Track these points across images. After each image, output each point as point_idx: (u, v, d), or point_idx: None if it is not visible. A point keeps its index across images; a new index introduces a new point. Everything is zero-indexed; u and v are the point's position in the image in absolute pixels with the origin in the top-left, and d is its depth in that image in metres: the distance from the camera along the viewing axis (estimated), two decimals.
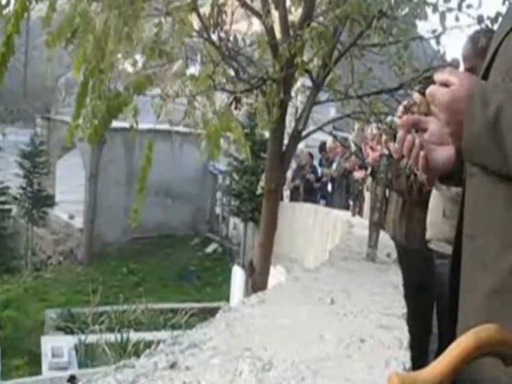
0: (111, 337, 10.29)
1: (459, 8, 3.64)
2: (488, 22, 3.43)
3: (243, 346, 1.33)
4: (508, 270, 1.02)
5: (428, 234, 3.55)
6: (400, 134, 1.27)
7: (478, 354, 0.70)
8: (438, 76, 1.11)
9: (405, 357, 1.35)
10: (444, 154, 1.23)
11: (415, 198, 3.85)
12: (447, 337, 1.12)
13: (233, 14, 4.44)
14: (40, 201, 17.74)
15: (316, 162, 12.65)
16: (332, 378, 1.18)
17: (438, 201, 3.43)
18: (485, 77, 1.16)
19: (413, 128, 1.25)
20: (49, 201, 18.21)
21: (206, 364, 1.21)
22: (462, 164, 1.19)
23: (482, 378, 0.99)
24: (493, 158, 1.02)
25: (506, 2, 3.49)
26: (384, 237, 3.57)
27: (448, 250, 3.19)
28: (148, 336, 10.21)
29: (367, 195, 5.32)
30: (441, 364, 0.70)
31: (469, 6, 3.63)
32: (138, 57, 4.57)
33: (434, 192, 3.46)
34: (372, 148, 4.18)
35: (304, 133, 4.56)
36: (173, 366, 1.19)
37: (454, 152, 1.21)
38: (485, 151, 1.02)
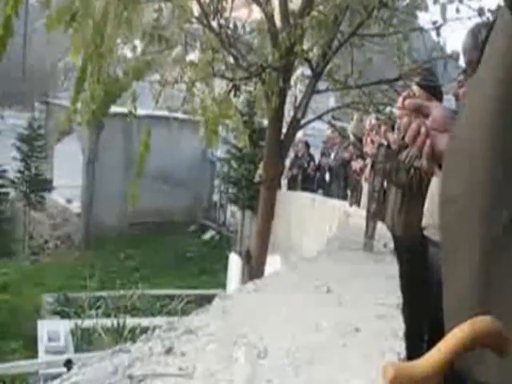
0: (107, 322, 10.32)
1: (460, 0, 3.63)
2: (489, 15, 3.42)
3: (239, 333, 1.33)
4: (502, 228, 0.96)
5: (424, 222, 3.54)
6: (404, 121, 1.25)
7: (474, 345, 0.70)
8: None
9: (400, 347, 1.36)
10: (446, 141, 1.21)
11: (415, 191, 3.85)
12: (441, 327, 1.12)
13: (233, 0, 4.42)
14: (38, 185, 17.69)
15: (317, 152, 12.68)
16: (327, 367, 1.18)
17: (436, 189, 3.42)
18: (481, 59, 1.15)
19: (415, 113, 1.24)
20: (46, 185, 18.16)
21: (201, 350, 1.21)
22: None
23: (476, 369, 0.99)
24: None
25: None
26: (381, 227, 3.57)
27: None
28: (144, 322, 10.23)
29: (365, 185, 5.32)
30: (436, 354, 0.70)
31: None
32: (137, 42, 4.54)
33: (434, 179, 3.46)
34: (372, 141, 4.17)
35: (303, 121, 4.56)
36: (168, 351, 1.19)
37: None
38: None
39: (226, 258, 13.07)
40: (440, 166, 1.31)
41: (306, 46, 4.27)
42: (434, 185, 3.49)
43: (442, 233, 1.10)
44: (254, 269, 4.54)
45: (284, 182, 12.56)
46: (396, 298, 1.88)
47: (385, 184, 3.81)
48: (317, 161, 12.54)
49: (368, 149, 4.23)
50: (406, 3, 4.01)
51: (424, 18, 4.18)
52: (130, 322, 10.46)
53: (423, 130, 1.20)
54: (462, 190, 1.01)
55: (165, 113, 12.12)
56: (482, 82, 0.99)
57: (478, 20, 3.44)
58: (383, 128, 4.36)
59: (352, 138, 8.36)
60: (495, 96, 0.93)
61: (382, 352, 1.29)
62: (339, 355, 1.26)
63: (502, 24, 0.91)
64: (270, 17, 4.23)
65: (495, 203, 0.96)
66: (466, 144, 1.01)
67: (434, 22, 3.87)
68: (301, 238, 9.87)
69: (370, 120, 4.96)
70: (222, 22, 4.30)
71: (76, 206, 17.96)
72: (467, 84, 1.12)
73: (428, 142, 1.20)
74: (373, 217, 3.08)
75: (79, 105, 4.53)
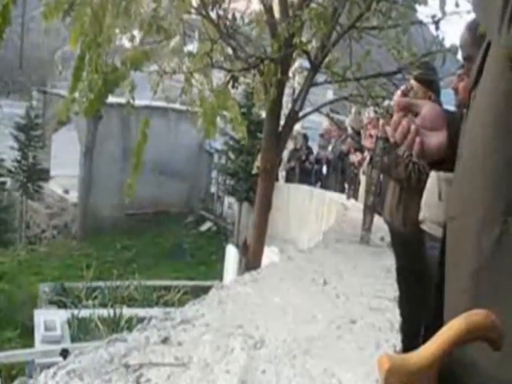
0: (104, 312, 10.35)
1: None
2: None
3: (235, 323, 1.34)
4: (491, 248, 0.99)
5: (421, 215, 3.55)
6: (395, 118, 1.25)
7: (469, 338, 0.71)
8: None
9: (396, 339, 1.36)
10: (436, 139, 1.22)
11: (414, 186, 3.84)
12: (435, 320, 1.12)
13: None
14: (35, 174, 17.67)
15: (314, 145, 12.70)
16: (323, 358, 1.19)
17: (434, 182, 3.43)
18: (481, 67, 1.15)
19: (405, 111, 1.24)
20: (44, 175, 18.15)
21: (197, 340, 1.22)
22: (453, 150, 1.18)
23: (471, 362, 1.00)
24: None
25: None
26: (378, 220, 3.58)
27: (440, 233, 3.20)
28: (141, 312, 10.26)
29: (363, 178, 5.33)
30: (432, 347, 0.70)
31: None
32: (135, 32, 4.52)
33: (432, 173, 3.46)
34: (371, 136, 4.15)
35: (301, 114, 4.55)
36: (165, 340, 1.20)
37: (446, 138, 1.21)
38: None
39: (223, 249, 13.09)
40: (430, 164, 1.32)
41: (304, 38, 4.26)
42: (431, 179, 3.50)
43: (444, 239, 1.14)
44: (250, 260, 4.54)
45: (282, 174, 12.58)
46: (392, 290, 1.89)
47: (381, 177, 3.81)
48: (315, 153, 12.56)
49: (367, 143, 4.22)
50: None
51: (423, 12, 4.17)
52: (127, 312, 10.49)
53: (413, 127, 1.20)
54: (472, 203, 1.04)
55: (163, 104, 12.13)
56: (484, 93, 1.00)
57: None
58: (381, 121, 4.35)
59: (350, 130, 8.36)
60: (497, 106, 0.95)
61: (377, 344, 1.30)
62: (335, 347, 1.27)
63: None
64: (268, 8, 4.22)
65: (492, 211, 0.98)
66: (469, 160, 1.04)
67: (433, 16, 3.86)
68: (298, 230, 9.89)
69: (369, 113, 4.96)
70: (221, 12, 4.28)
71: (73, 196, 17.96)
72: (471, 102, 1.13)
73: (418, 139, 1.20)
74: (370, 210, 3.09)
75: (77, 94, 4.51)
